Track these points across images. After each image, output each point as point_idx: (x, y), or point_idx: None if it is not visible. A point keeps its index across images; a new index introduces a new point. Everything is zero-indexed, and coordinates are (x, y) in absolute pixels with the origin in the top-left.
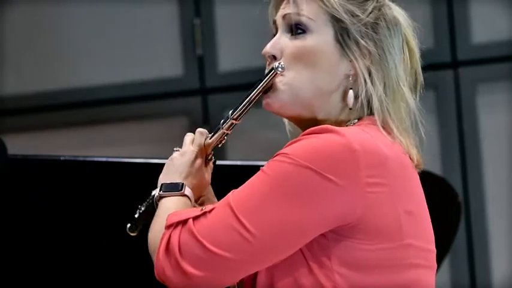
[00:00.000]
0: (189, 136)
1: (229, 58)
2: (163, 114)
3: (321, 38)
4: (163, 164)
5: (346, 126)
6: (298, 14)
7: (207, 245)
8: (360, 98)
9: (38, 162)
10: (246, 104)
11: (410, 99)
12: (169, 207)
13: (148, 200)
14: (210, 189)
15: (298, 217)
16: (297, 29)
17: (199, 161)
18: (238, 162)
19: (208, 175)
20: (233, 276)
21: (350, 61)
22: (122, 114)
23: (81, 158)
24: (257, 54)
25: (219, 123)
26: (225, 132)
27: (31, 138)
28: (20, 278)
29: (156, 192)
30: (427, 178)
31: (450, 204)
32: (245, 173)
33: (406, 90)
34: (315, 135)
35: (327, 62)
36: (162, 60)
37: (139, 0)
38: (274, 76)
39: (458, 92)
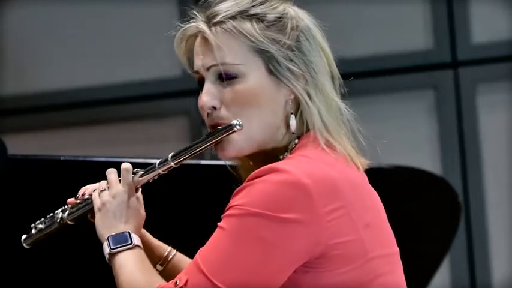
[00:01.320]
0: (113, 174)
1: None
2: (163, 114)
3: (254, 76)
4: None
5: (290, 148)
6: (224, 64)
7: None
8: (301, 119)
9: (38, 162)
10: (191, 153)
11: (343, 107)
12: (130, 267)
13: (48, 219)
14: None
15: (267, 266)
16: (226, 76)
17: (133, 200)
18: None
19: (142, 207)
20: None
21: (287, 87)
22: (122, 114)
23: (81, 158)
24: None
25: (155, 162)
26: (160, 173)
27: (31, 138)
28: (20, 278)
29: (106, 248)
30: (427, 178)
31: (450, 204)
32: None
33: (337, 99)
34: (260, 178)
35: (268, 97)
36: (162, 60)
37: (139, 0)
38: (230, 133)
39: (458, 92)
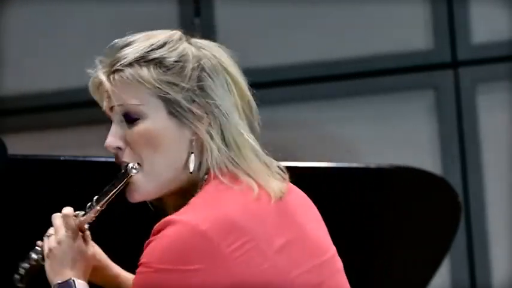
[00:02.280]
0: (58, 219)
1: None
2: None
3: (155, 118)
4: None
5: (199, 186)
6: (124, 105)
7: None
8: (204, 158)
9: (38, 162)
10: (107, 197)
11: (254, 141)
12: None
13: (26, 261)
14: (101, 253)
15: None
16: (129, 117)
17: (78, 243)
18: None
19: (90, 247)
20: None
21: (189, 128)
22: None
23: (81, 158)
24: (257, 54)
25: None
26: (92, 216)
27: (31, 138)
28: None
29: None
30: (427, 178)
31: (450, 204)
32: None
33: (247, 135)
34: (160, 233)
35: (170, 138)
36: None
37: (139, 0)
38: (130, 177)
39: (458, 92)
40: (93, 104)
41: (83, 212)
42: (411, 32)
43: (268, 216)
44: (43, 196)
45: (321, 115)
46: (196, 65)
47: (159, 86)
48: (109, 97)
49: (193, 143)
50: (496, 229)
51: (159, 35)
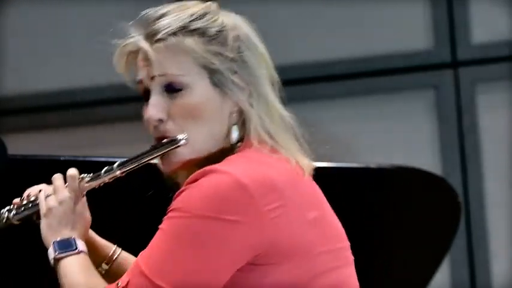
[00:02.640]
0: (59, 180)
1: None
2: None
3: (199, 88)
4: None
5: (232, 152)
6: (168, 75)
7: None
8: (243, 129)
9: (38, 162)
10: (136, 164)
11: (285, 114)
12: (74, 271)
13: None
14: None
15: (209, 265)
16: (172, 88)
17: (79, 206)
18: None
19: (87, 211)
20: None
21: (231, 99)
22: (121, 114)
23: (81, 158)
24: None
25: (102, 170)
26: (105, 181)
27: (31, 138)
28: (21, 278)
29: (51, 253)
30: (427, 178)
31: (450, 204)
32: None
33: (279, 107)
34: (200, 180)
35: (213, 110)
36: None
37: (139, 0)
38: (175, 147)
39: (458, 92)
40: (93, 104)
41: (88, 178)
42: (411, 32)
43: (303, 188)
44: None
45: (321, 115)
46: (236, 35)
47: (205, 56)
48: (148, 66)
49: (234, 115)
50: (496, 229)
51: (195, 6)
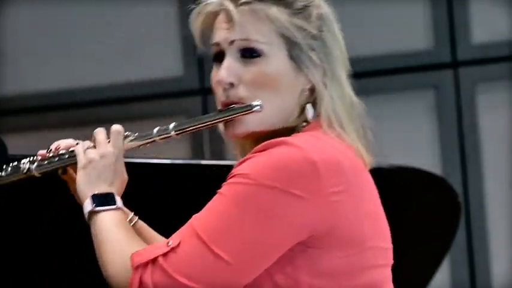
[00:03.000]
0: (102, 134)
1: None
2: (163, 114)
3: (276, 59)
4: (162, 164)
5: (296, 131)
6: (249, 40)
7: (183, 281)
8: (314, 109)
9: None
10: (197, 126)
11: (356, 100)
12: (113, 227)
13: (12, 168)
14: None
15: (269, 237)
16: (250, 54)
17: (120, 164)
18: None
19: (125, 172)
20: None
21: (305, 76)
22: (122, 114)
23: None
24: None
25: (153, 129)
26: (155, 141)
27: (31, 138)
28: (21, 278)
29: (88, 206)
30: (427, 178)
31: (450, 204)
32: None
33: (352, 94)
34: (269, 150)
35: (286, 83)
36: (162, 60)
37: (139, 0)
38: (248, 113)
39: (458, 92)
40: (93, 104)
41: (133, 137)
42: (411, 32)
43: (364, 180)
44: (43, 196)
45: None
46: (319, 13)
47: (288, 27)
48: (228, 29)
49: (306, 93)
50: (496, 229)
51: None
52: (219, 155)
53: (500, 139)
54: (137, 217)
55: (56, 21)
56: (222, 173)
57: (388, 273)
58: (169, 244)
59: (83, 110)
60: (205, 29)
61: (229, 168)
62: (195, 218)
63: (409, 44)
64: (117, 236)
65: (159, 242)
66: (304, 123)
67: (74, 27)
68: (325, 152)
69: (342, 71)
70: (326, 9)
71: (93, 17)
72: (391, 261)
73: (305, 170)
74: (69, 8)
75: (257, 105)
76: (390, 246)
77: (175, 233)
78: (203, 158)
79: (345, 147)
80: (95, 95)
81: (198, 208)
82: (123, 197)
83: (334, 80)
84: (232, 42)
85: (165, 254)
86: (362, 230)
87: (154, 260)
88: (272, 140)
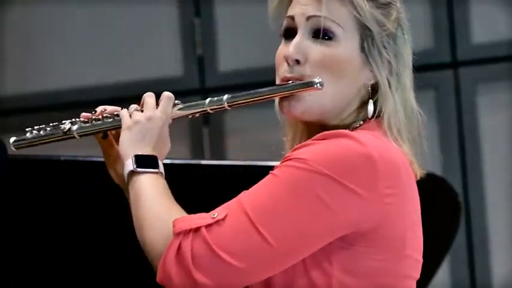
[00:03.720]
0: (151, 98)
1: (229, 58)
2: None
3: (348, 46)
4: (162, 164)
5: (353, 128)
6: (329, 20)
7: (223, 255)
8: (374, 106)
9: (38, 162)
10: (252, 99)
11: (416, 107)
12: (153, 190)
13: (51, 127)
14: None
15: (314, 225)
16: (324, 34)
17: (165, 130)
18: (238, 162)
19: (169, 140)
20: (245, 284)
21: (371, 71)
22: None
23: (81, 158)
24: (257, 54)
25: (203, 100)
26: (206, 111)
27: None
28: (21, 278)
29: (129, 165)
30: (427, 178)
31: (450, 204)
32: (245, 173)
33: (413, 100)
34: (330, 140)
35: (352, 71)
36: (162, 60)
37: (139, 0)
38: (308, 89)
39: (458, 92)
40: (94, 104)
41: (182, 106)
42: (411, 32)
43: (414, 189)
44: (43, 196)
45: None
46: (398, 14)
47: (369, 18)
48: (308, 5)
49: (368, 88)
50: (496, 229)
51: None
52: (219, 155)
53: (500, 139)
54: None
55: (56, 21)
56: (222, 173)
57: (414, 287)
58: (215, 216)
59: (83, 110)
60: (282, 5)
61: (230, 168)
62: (245, 194)
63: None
64: (158, 201)
65: (203, 213)
66: (361, 122)
67: (74, 27)
68: (385, 152)
69: (407, 77)
70: (404, 16)
71: (93, 17)
72: (419, 275)
73: (363, 165)
74: (69, 8)
75: (318, 82)
76: (421, 259)
77: (221, 206)
78: (203, 158)
79: (401, 152)
80: (95, 95)
81: (198, 208)
82: (123, 197)
83: (400, 83)
84: (309, 18)
85: (209, 225)
86: (404, 237)
87: (197, 229)
88: (334, 131)
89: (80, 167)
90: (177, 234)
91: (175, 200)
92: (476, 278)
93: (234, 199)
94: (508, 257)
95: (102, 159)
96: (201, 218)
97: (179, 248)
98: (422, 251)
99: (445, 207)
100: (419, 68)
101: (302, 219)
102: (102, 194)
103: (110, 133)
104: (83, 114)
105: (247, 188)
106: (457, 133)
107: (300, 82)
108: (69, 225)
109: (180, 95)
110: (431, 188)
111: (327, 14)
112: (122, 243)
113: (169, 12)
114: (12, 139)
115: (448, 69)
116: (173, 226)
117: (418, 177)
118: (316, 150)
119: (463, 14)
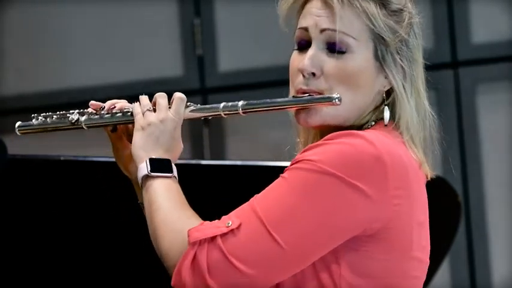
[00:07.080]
0: (164, 99)
1: (229, 58)
2: None
3: (362, 56)
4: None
5: (365, 128)
6: (343, 33)
7: (238, 265)
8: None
9: (38, 162)
10: (268, 108)
11: (429, 112)
12: (168, 194)
13: (59, 116)
14: None
15: (327, 227)
16: (336, 47)
17: (178, 131)
18: (238, 162)
19: (181, 141)
20: None
21: (385, 77)
22: None
23: (81, 158)
24: (257, 54)
25: (218, 104)
26: (219, 115)
27: (31, 138)
28: (20, 278)
29: (143, 169)
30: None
31: (450, 204)
32: (245, 173)
33: (427, 103)
34: (340, 140)
35: (367, 81)
36: (162, 60)
37: (139, 0)
38: (325, 104)
39: (458, 92)
40: None
41: (194, 107)
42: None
43: (422, 189)
44: (43, 196)
45: None
46: (411, 20)
47: (382, 26)
48: (323, 16)
49: (383, 94)
50: (496, 229)
51: None
52: (219, 155)
53: (500, 139)
54: None
55: (56, 21)
56: (222, 173)
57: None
58: (229, 225)
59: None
60: (293, 10)
61: (230, 168)
62: (256, 199)
63: None
64: (172, 209)
65: (215, 221)
66: (373, 123)
67: (74, 27)
68: (396, 154)
69: (420, 79)
70: (416, 19)
71: (93, 17)
72: (425, 276)
73: (373, 165)
74: (69, 8)
75: (337, 98)
76: (428, 261)
77: (233, 212)
78: (203, 158)
79: (411, 154)
80: (95, 95)
81: (198, 208)
82: (124, 197)
83: (414, 87)
84: (323, 30)
85: (224, 235)
86: (411, 238)
87: (212, 239)
88: (344, 131)
89: (80, 167)
90: (192, 244)
91: None
92: (476, 278)
93: (246, 204)
94: (508, 257)
95: (102, 160)
96: (215, 227)
97: (194, 257)
98: (428, 252)
99: (445, 207)
100: None
101: (313, 222)
102: (102, 194)
103: (119, 126)
104: (92, 102)
105: (247, 188)
106: (457, 133)
107: (319, 97)
108: (69, 225)
109: None
110: (431, 188)
111: (341, 27)
112: (122, 242)
113: (169, 12)
114: (17, 123)
115: (448, 69)
116: (188, 236)
117: (429, 178)
118: (324, 150)
119: (463, 14)
